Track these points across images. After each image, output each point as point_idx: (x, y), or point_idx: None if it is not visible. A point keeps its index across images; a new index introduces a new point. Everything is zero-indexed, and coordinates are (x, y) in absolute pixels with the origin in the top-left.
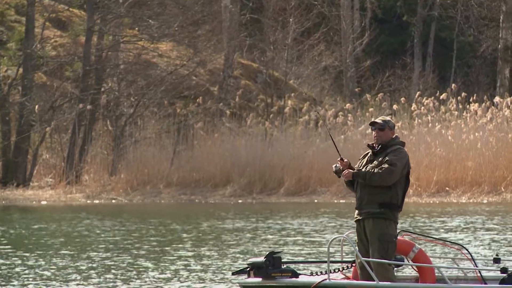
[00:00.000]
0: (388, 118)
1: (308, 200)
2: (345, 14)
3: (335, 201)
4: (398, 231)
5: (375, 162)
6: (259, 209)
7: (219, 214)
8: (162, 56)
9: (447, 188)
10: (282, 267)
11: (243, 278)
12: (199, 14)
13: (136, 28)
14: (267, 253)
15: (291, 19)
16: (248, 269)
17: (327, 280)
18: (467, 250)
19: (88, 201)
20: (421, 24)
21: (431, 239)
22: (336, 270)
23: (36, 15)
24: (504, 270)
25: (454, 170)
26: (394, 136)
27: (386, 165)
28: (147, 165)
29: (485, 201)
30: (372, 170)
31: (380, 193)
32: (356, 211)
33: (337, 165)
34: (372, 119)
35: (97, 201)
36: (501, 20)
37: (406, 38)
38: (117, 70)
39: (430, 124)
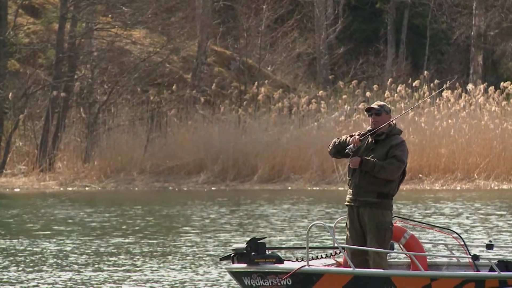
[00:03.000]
0: (382, 102)
1: (281, 187)
2: (318, 1)
3: (309, 188)
4: (392, 217)
5: (378, 152)
6: (233, 196)
7: (200, 201)
8: (135, 43)
9: (420, 175)
10: (267, 253)
11: (229, 264)
12: (172, 1)
13: (109, 15)
14: (249, 239)
15: (264, 6)
16: (232, 255)
17: (306, 267)
18: (459, 236)
19: (61, 188)
20: (394, 11)
21: (424, 225)
22: (324, 256)
23: (9, 2)
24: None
25: (427, 157)
26: (394, 124)
27: (395, 161)
28: (121, 152)
29: (458, 188)
30: (381, 163)
31: (380, 184)
32: (351, 197)
33: (355, 144)
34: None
35: (70, 188)
36: (474, 7)
37: (379, 25)
38: (91, 57)
39: (403, 111)
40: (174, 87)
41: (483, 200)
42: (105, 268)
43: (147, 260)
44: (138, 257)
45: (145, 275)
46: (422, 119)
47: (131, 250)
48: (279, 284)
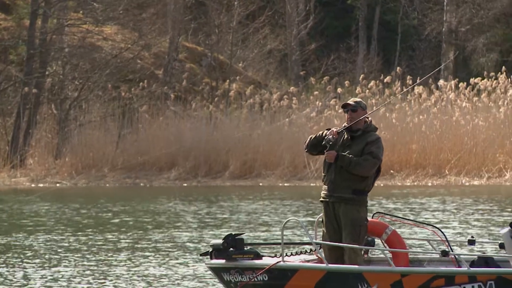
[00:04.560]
0: (359, 99)
1: (253, 183)
2: None
3: (280, 184)
4: (373, 213)
5: (353, 148)
6: (206, 192)
7: (173, 197)
8: (106, 39)
9: (391, 171)
10: (245, 249)
11: (208, 260)
12: None
13: (81, 11)
14: (226, 235)
15: (235, 2)
16: (210, 251)
17: (281, 263)
18: (441, 231)
19: (33, 185)
20: (365, 8)
21: (406, 221)
22: (306, 251)
23: None
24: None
25: (399, 153)
26: (370, 121)
27: (371, 158)
28: (92, 148)
29: (429, 184)
30: (357, 159)
31: (355, 180)
32: (326, 193)
33: (334, 136)
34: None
35: (41, 185)
36: (445, 3)
37: (350, 21)
38: (62, 54)
39: (374, 107)
40: (145, 83)
41: (454, 196)
42: (89, 264)
43: (129, 255)
44: (122, 252)
45: (127, 270)
46: (394, 115)
47: (115, 246)
48: (255, 279)
